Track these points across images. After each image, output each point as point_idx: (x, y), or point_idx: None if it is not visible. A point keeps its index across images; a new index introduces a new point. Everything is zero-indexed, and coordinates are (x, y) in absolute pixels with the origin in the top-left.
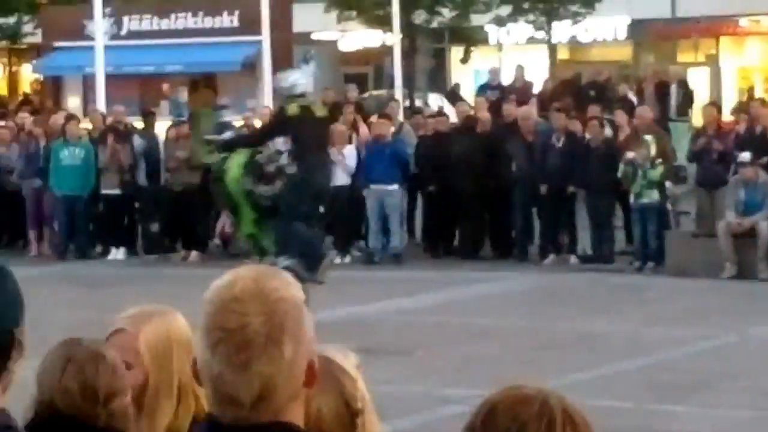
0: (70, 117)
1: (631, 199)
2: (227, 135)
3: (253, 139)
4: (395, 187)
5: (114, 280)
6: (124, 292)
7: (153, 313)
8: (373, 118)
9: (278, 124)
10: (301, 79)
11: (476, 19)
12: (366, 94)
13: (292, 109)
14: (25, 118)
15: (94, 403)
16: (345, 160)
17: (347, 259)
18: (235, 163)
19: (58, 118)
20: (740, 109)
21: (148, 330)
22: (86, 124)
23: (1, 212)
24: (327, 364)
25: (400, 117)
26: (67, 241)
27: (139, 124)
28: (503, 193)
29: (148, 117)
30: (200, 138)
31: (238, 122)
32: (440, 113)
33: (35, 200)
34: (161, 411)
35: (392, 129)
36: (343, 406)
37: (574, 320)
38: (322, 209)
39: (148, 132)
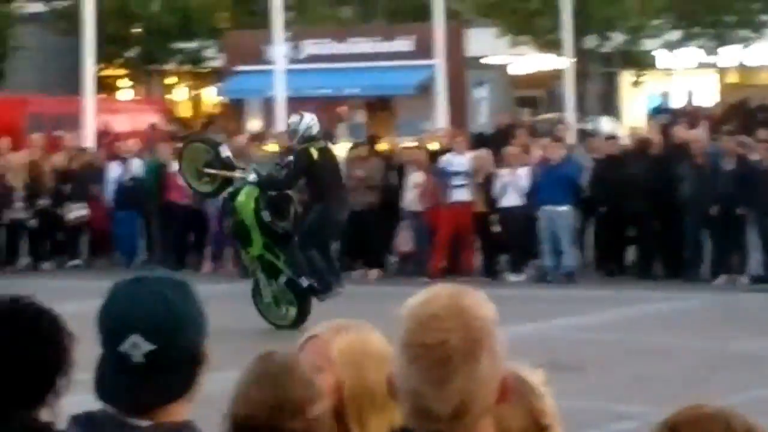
0: (254, 138)
1: None
2: (252, 177)
3: (283, 184)
4: (566, 208)
5: None
6: None
7: (349, 325)
8: (545, 141)
9: (305, 166)
10: (313, 121)
11: (646, 44)
12: (537, 118)
13: (314, 152)
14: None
15: (288, 416)
16: (518, 181)
17: (522, 277)
18: (248, 196)
19: (241, 140)
20: None
21: (341, 338)
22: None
23: (171, 229)
24: (516, 380)
25: (571, 140)
26: None
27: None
28: (674, 214)
29: (327, 139)
30: (193, 168)
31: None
32: (613, 136)
33: (216, 219)
34: (369, 423)
35: (563, 152)
36: (532, 422)
37: (745, 340)
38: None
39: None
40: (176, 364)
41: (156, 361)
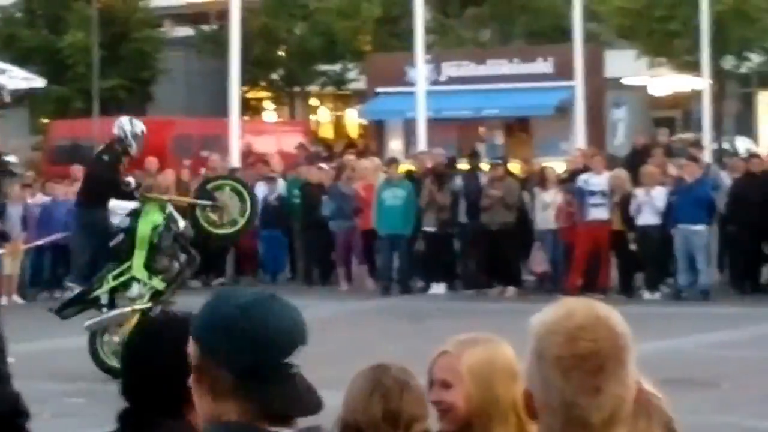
0: (392, 160)
1: None
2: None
3: None
4: (702, 227)
5: (434, 314)
6: (444, 325)
7: (479, 340)
8: (681, 161)
9: None
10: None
11: None
12: (674, 138)
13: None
14: (351, 160)
15: (396, 428)
16: (654, 200)
17: (657, 295)
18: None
19: (364, 161)
20: None
21: (471, 353)
22: (407, 166)
23: (316, 249)
24: (647, 393)
25: (707, 159)
26: (390, 276)
27: (461, 165)
28: None
29: (472, 158)
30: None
31: None
32: (754, 155)
33: (346, 238)
34: None
35: (699, 171)
36: None
37: None
38: None
39: (469, 172)
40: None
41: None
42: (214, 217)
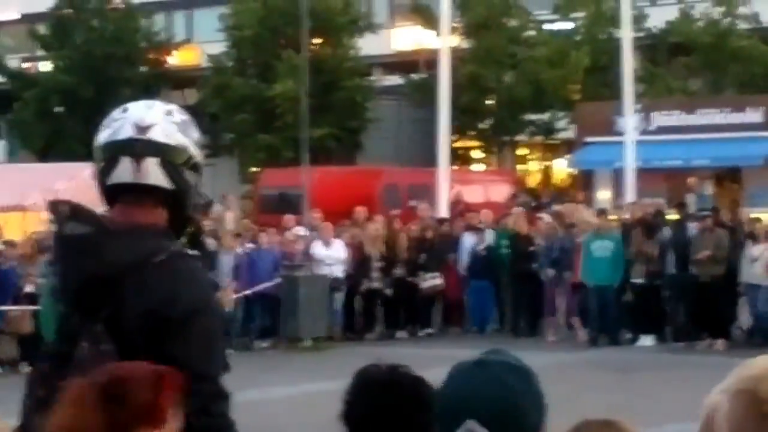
0: (602, 211)
1: None
2: None
3: None
4: None
5: (643, 366)
6: (653, 378)
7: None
8: None
9: None
10: None
11: None
12: None
13: None
14: (559, 210)
15: None
16: None
17: None
18: None
19: (583, 211)
20: None
21: None
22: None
23: (524, 300)
24: None
25: None
26: (599, 328)
27: (670, 215)
28: None
29: (680, 208)
30: None
31: None
32: None
33: (553, 288)
34: None
35: None
36: None
37: None
38: None
39: (678, 223)
40: None
41: None
42: None
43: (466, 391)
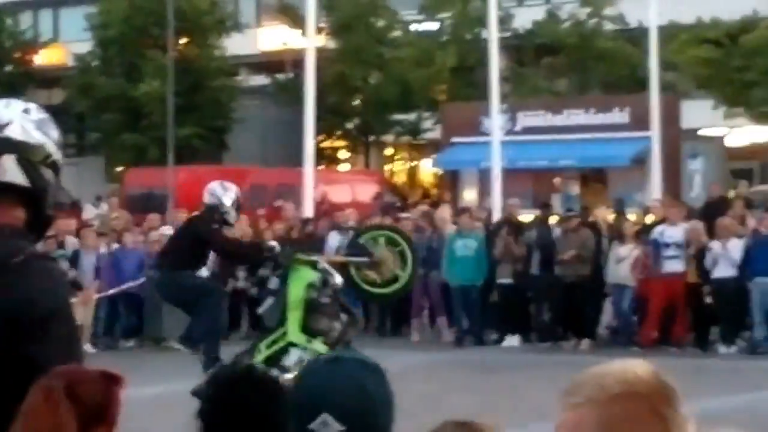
0: (463, 210)
1: None
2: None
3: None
4: None
5: (508, 366)
6: (518, 378)
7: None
8: (758, 213)
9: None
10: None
11: None
12: (751, 189)
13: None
14: (424, 210)
15: None
16: (730, 253)
17: (732, 349)
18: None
19: (446, 211)
20: None
21: None
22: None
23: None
24: None
25: None
26: (464, 328)
27: (531, 216)
28: None
29: (545, 209)
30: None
31: None
32: None
33: (420, 288)
34: None
35: None
36: None
37: None
38: None
39: (543, 224)
40: None
41: None
42: (373, 275)
43: (320, 386)
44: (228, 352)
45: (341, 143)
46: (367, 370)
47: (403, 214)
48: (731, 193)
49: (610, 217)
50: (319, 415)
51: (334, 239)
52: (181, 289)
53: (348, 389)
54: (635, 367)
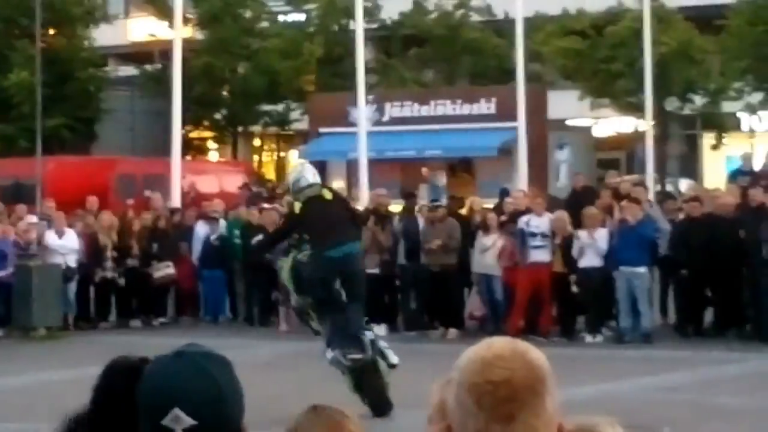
0: None
1: None
2: (256, 238)
3: (271, 239)
4: (643, 269)
5: None
6: None
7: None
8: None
9: (289, 222)
10: (305, 172)
11: (728, 106)
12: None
13: (298, 204)
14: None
15: None
16: (596, 243)
17: (598, 338)
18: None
19: None
20: None
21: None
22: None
23: (257, 290)
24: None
25: (650, 201)
26: None
27: (399, 206)
28: (753, 276)
29: (409, 199)
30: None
31: None
32: (694, 198)
33: None
34: None
35: (641, 213)
36: None
37: None
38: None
39: (408, 214)
40: None
41: None
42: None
43: (168, 382)
44: (98, 341)
45: (209, 134)
46: (213, 362)
47: (268, 205)
48: (619, 181)
49: (486, 206)
50: (169, 411)
51: (201, 229)
52: None
53: (196, 383)
54: (512, 344)
